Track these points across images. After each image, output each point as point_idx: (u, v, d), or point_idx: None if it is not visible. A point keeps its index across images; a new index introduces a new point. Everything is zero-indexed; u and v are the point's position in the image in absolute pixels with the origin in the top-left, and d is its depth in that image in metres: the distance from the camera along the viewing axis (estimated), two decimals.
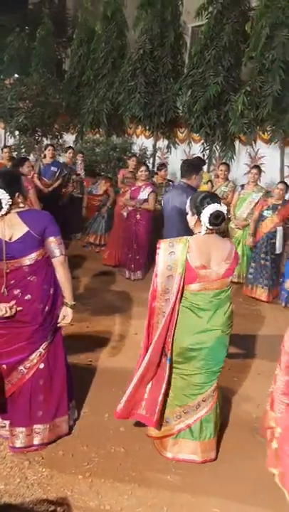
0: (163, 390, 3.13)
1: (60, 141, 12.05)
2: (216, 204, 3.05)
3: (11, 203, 2.93)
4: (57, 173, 8.43)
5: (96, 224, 8.54)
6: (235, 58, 8.36)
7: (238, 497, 2.98)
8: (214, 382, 3.19)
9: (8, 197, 2.92)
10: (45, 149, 8.88)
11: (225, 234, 7.31)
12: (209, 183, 7.78)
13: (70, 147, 10.04)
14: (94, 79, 11.53)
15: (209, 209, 3.03)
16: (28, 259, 3.00)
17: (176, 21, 9.98)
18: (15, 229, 2.95)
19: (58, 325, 3.21)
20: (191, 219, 3.20)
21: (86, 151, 10.68)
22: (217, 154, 9.29)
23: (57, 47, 14.49)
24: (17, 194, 3.00)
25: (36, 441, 3.19)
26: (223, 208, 3.07)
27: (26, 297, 3.01)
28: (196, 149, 9.65)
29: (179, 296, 3.05)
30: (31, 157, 11.17)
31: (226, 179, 7.68)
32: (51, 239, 3.04)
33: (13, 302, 2.98)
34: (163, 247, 3.10)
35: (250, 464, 3.29)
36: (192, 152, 10.01)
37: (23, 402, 3.14)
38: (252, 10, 8.32)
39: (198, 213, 3.08)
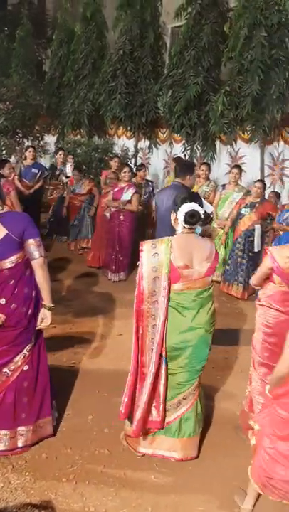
0: (162, 388, 3.12)
1: (41, 142, 11.99)
2: (192, 203, 3.09)
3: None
4: (38, 175, 8.38)
5: (85, 228, 8.47)
6: (214, 59, 8.40)
7: (221, 495, 3.00)
8: (196, 381, 3.20)
9: None
10: (25, 151, 8.82)
11: (210, 234, 7.36)
12: None
13: (60, 148, 9.97)
14: (74, 80, 11.48)
15: (185, 207, 3.07)
16: (9, 262, 2.99)
17: (156, 22, 9.99)
18: None
19: (37, 327, 3.17)
20: (172, 216, 3.23)
21: (67, 152, 10.63)
22: (198, 154, 9.33)
23: (37, 48, 14.41)
24: None
25: (20, 443, 3.18)
26: (208, 209, 3.10)
27: (10, 304, 3.00)
28: (178, 149, 9.69)
29: (168, 297, 3.07)
30: (12, 159, 11.08)
31: (207, 179, 7.72)
32: (30, 241, 3.02)
33: (2, 316, 2.97)
34: (146, 248, 3.11)
35: (234, 461, 3.31)
36: (174, 152, 10.04)
37: (7, 405, 3.12)
38: (230, 11, 8.38)
39: (177, 211, 3.13)
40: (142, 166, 8.36)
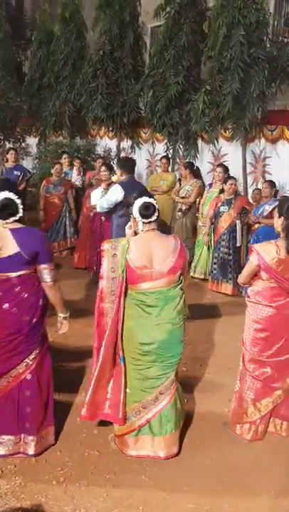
0: (123, 388, 3.17)
1: (23, 144, 11.91)
2: (143, 197, 3.13)
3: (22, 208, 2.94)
4: (20, 177, 8.32)
5: (62, 228, 8.41)
6: (194, 58, 8.44)
7: (212, 491, 3.01)
8: (171, 375, 3.20)
9: (20, 202, 2.94)
10: (7, 153, 8.75)
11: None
12: (178, 183, 7.83)
13: (64, 152, 9.60)
14: (55, 81, 11.41)
15: (137, 203, 3.09)
16: (16, 274, 2.97)
17: (135, 22, 9.99)
18: (4, 246, 2.90)
19: (59, 332, 3.28)
20: (132, 220, 3.24)
21: (50, 154, 10.58)
22: (180, 153, 9.35)
23: (16, 49, 14.27)
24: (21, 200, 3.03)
25: (30, 451, 3.14)
26: (153, 200, 3.14)
27: (13, 310, 2.97)
28: (160, 149, 9.71)
29: (122, 297, 3.10)
30: None
31: (191, 178, 7.73)
32: (44, 266, 3.02)
33: None
34: (106, 248, 3.14)
35: (223, 457, 3.34)
36: (156, 152, 10.07)
37: (9, 412, 3.09)
38: (209, 10, 8.39)
39: (132, 211, 3.16)
40: None
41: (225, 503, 2.92)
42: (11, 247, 2.91)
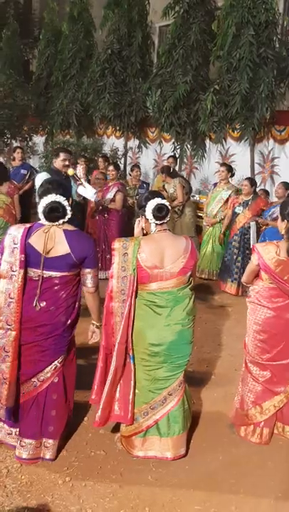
0: (132, 389, 3.15)
1: (30, 143, 11.93)
2: (157, 198, 3.09)
3: (70, 210, 2.95)
4: (27, 176, 8.32)
5: None
6: (203, 57, 8.40)
7: (218, 493, 2.99)
8: (179, 376, 3.18)
9: (68, 204, 2.94)
10: (13, 152, 8.76)
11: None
12: (164, 191, 7.72)
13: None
14: (62, 80, 11.43)
15: (151, 204, 3.06)
16: (60, 274, 2.97)
17: (144, 21, 9.98)
18: (56, 246, 2.91)
19: (89, 342, 3.31)
20: (142, 221, 3.22)
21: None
22: (188, 153, 9.33)
23: (23, 48, 14.32)
24: (70, 200, 3.04)
25: (48, 455, 3.12)
26: (166, 201, 3.12)
27: (51, 308, 2.97)
28: (167, 149, 9.69)
29: (133, 297, 3.08)
30: (0, 159, 11.01)
31: (171, 179, 7.66)
32: (88, 270, 3.04)
33: None
34: (117, 247, 3.11)
35: (229, 459, 3.32)
36: (163, 152, 10.05)
37: (34, 415, 3.07)
38: (218, 9, 8.38)
39: (144, 212, 3.13)
40: (135, 167, 8.33)
41: (232, 505, 2.90)
42: (62, 249, 2.91)
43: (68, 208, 2.94)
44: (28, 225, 2.99)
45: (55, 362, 3.06)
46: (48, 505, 2.79)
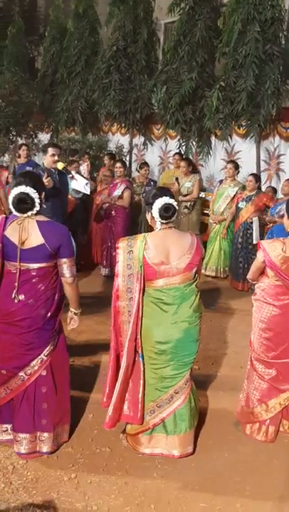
0: (141, 388, 3.14)
1: (35, 140, 11.93)
2: (164, 197, 3.06)
3: (39, 202, 2.93)
4: None
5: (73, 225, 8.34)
6: (208, 54, 8.38)
7: (224, 491, 2.99)
8: (186, 374, 3.18)
9: (38, 196, 2.92)
10: (19, 149, 8.77)
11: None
12: (175, 182, 7.73)
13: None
14: (67, 77, 11.42)
15: (158, 203, 3.05)
16: (37, 266, 2.97)
17: (149, 18, 9.95)
18: (30, 237, 2.91)
19: (68, 328, 3.28)
20: (148, 216, 3.21)
21: (62, 150, 10.56)
22: (193, 150, 9.31)
23: (29, 45, 14.30)
24: (43, 194, 3.01)
25: (41, 448, 3.14)
26: (173, 201, 3.09)
27: (29, 301, 2.97)
28: (173, 146, 9.67)
29: (141, 294, 3.07)
30: (6, 157, 11.03)
31: (189, 174, 7.62)
32: (64, 260, 3.02)
33: None
34: (122, 246, 3.11)
35: (235, 456, 3.31)
36: (168, 148, 10.02)
37: (25, 409, 3.09)
38: (223, 6, 8.34)
39: (151, 209, 3.11)
40: (144, 165, 8.30)
41: (237, 503, 2.89)
42: (36, 239, 2.91)
43: (37, 200, 2.91)
44: (3, 216, 3.02)
45: (41, 355, 3.06)
46: (54, 502, 2.80)
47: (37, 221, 2.95)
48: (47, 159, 5.26)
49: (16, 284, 2.94)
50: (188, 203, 7.53)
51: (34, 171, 5.31)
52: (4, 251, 2.94)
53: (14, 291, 2.94)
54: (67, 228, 3.10)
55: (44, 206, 3.07)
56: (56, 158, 5.23)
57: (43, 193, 3.02)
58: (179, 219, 7.64)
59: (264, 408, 3.46)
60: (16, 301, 2.95)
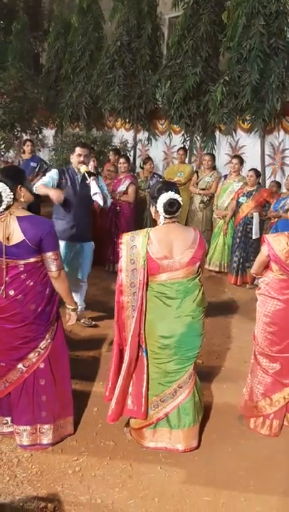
0: (145, 382, 3.15)
1: (40, 136, 11.93)
2: (170, 192, 3.05)
3: (12, 196, 2.91)
4: (37, 169, 8.33)
5: None
6: (212, 48, 8.33)
7: (228, 485, 2.99)
8: (189, 368, 3.18)
9: (9, 190, 2.89)
10: (23, 145, 8.78)
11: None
12: (195, 174, 7.81)
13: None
14: (72, 72, 11.39)
15: (163, 198, 3.04)
16: (24, 261, 2.98)
17: (153, 12, 9.91)
18: (13, 233, 2.91)
19: (67, 324, 3.29)
20: (152, 210, 3.21)
21: (66, 145, 10.57)
22: (198, 145, 9.28)
23: (33, 41, 14.26)
24: (19, 186, 2.96)
25: (45, 440, 3.17)
26: (178, 196, 3.08)
27: (18, 297, 2.98)
28: (177, 140, 9.64)
29: (144, 289, 3.07)
30: (11, 153, 11.03)
31: (211, 169, 7.70)
32: (48, 254, 3.00)
33: None
34: (125, 241, 3.12)
35: (239, 451, 3.32)
36: (173, 143, 9.99)
37: (25, 401, 3.11)
38: (228, 0, 8.29)
39: (155, 203, 3.10)
40: (148, 160, 8.30)
41: (241, 497, 2.90)
42: (17, 236, 2.91)
43: (5, 195, 2.88)
44: None
45: (37, 348, 3.08)
46: (58, 495, 2.82)
47: (17, 217, 2.94)
48: (74, 159, 4.90)
49: (4, 279, 2.95)
50: (205, 198, 7.54)
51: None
52: None
53: (2, 287, 2.95)
54: (49, 222, 3.07)
55: (22, 200, 3.00)
56: (82, 159, 4.83)
57: (19, 186, 2.98)
58: (189, 215, 7.69)
59: (268, 402, 3.46)
60: (3, 296, 2.96)
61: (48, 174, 5.01)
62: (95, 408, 3.65)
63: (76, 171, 4.91)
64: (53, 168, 5.25)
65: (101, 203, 4.80)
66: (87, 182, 4.73)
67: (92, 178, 4.72)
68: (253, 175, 6.79)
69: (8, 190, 2.89)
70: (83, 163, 4.85)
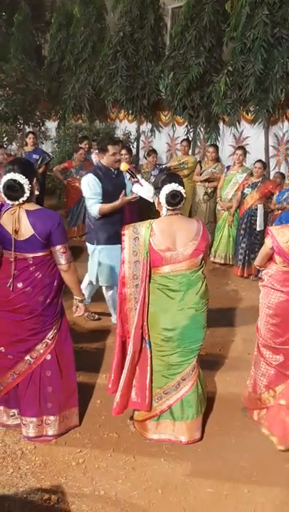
0: (149, 374, 3.15)
1: (43, 128, 11.89)
2: (173, 184, 3.04)
3: (30, 189, 2.90)
4: (39, 161, 8.31)
5: (82, 213, 8.29)
6: (216, 38, 8.25)
7: (231, 476, 3.00)
8: (193, 361, 3.18)
9: (28, 182, 2.89)
10: (26, 137, 8.75)
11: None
12: (198, 165, 7.77)
13: (85, 137, 9.00)
14: (74, 64, 11.32)
15: (166, 189, 3.03)
16: (33, 255, 2.98)
17: (156, 2, 9.80)
18: (23, 227, 2.91)
19: (74, 315, 3.30)
20: (155, 201, 3.20)
21: (69, 137, 10.54)
22: (201, 136, 9.23)
23: (35, 32, 14.18)
24: (34, 180, 2.96)
25: (48, 431, 3.19)
26: (181, 188, 3.06)
27: (27, 289, 2.98)
28: (180, 132, 9.58)
29: (147, 281, 3.06)
30: (13, 145, 11.01)
31: (215, 161, 7.66)
32: (57, 247, 3.00)
33: None
34: (127, 233, 3.10)
35: (242, 443, 3.32)
36: (176, 135, 9.93)
37: (31, 393, 3.13)
38: None
39: (159, 194, 3.09)
40: (152, 152, 8.24)
41: (244, 489, 2.90)
42: (27, 230, 2.91)
43: (27, 187, 2.87)
44: None
45: (45, 339, 3.10)
46: (62, 487, 2.83)
47: (26, 210, 2.92)
48: (107, 159, 4.52)
49: (13, 272, 2.95)
50: (209, 190, 7.52)
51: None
52: (1, 239, 2.95)
53: (10, 280, 2.95)
54: (57, 215, 3.05)
55: (37, 193, 3.00)
56: (118, 157, 4.57)
57: (35, 180, 2.98)
58: (192, 207, 7.65)
59: (271, 394, 3.45)
60: (10, 288, 2.96)
61: (90, 191, 4.54)
62: (99, 400, 3.65)
63: (109, 169, 4.60)
64: (84, 178, 4.70)
65: (150, 199, 4.16)
66: (134, 180, 4.41)
67: (138, 176, 4.45)
68: (261, 167, 6.76)
69: (28, 182, 2.89)
70: (120, 161, 4.61)
